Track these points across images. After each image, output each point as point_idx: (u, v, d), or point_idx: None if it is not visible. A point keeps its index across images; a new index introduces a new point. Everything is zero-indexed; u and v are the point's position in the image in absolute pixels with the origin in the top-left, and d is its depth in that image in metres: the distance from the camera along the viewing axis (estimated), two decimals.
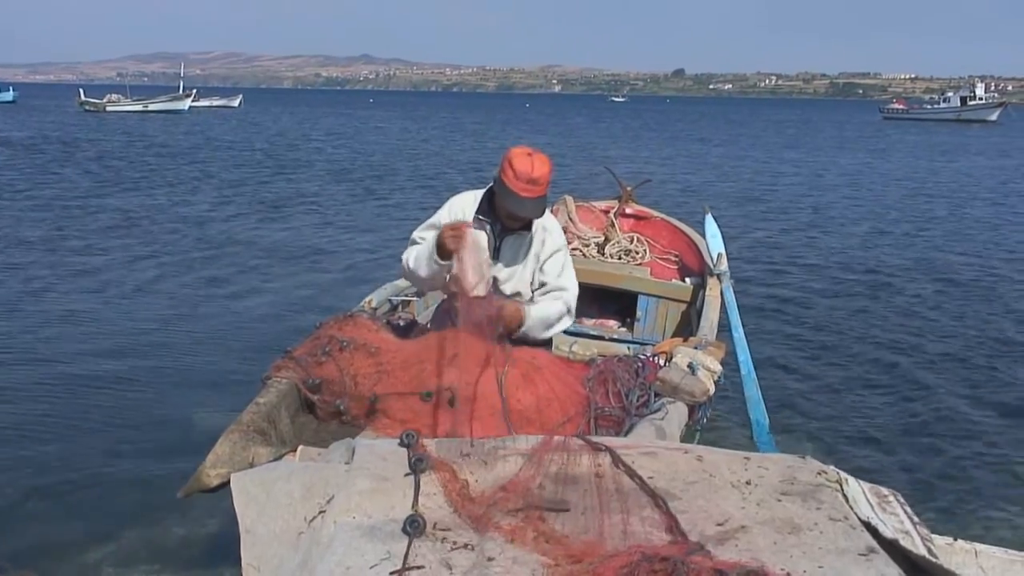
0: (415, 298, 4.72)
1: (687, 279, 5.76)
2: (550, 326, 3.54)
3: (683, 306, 5.43)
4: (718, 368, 3.44)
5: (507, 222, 3.49)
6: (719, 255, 5.28)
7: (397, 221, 12.73)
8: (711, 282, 5.11)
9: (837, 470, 2.29)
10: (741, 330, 4.53)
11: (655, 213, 6.94)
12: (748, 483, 2.22)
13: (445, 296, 3.75)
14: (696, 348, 3.58)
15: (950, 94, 76.14)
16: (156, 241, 10.79)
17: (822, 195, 18.05)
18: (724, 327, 4.59)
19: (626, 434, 2.95)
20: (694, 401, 3.24)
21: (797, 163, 26.55)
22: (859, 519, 2.08)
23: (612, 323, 5.72)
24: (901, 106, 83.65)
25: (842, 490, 2.20)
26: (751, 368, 4.30)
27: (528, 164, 3.30)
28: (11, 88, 73.53)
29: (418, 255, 3.45)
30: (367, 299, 4.37)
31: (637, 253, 6.23)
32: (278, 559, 2.00)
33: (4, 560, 3.47)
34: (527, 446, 2.33)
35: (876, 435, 5.20)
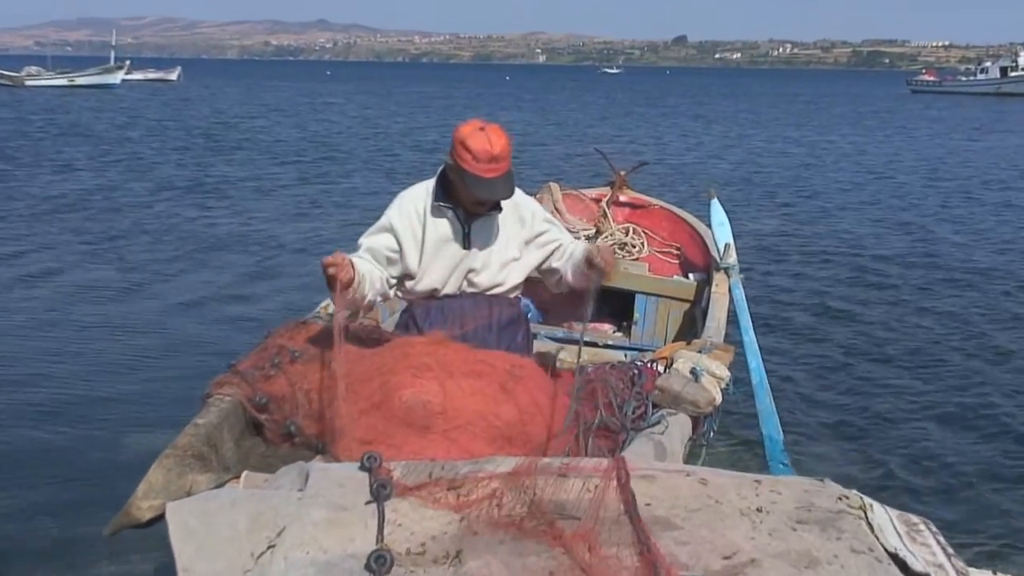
0: (379, 301, 4.71)
1: (690, 275, 5.78)
2: None
3: (686, 305, 5.46)
4: (725, 374, 3.45)
5: (472, 208, 3.53)
6: (727, 246, 5.31)
7: (357, 212, 12.73)
8: (718, 278, 5.13)
9: (860, 495, 2.29)
10: (752, 332, 4.55)
11: (653, 201, 6.97)
12: (759, 510, 2.21)
13: (409, 301, 3.76)
14: (700, 352, 3.58)
15: (988, 64, 76.29)
16: (79, 235, 10.72)
17: (835, 177, 18.28)
18: (732, 328, 4.61)
19: (622, 451, 2.95)
20: (698, 412, 3.24)
21: (804, 142, 26.72)
22: (885, 551, 2.08)
23: (606, 327, 5.73)
24: (932, 77, 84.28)
25: (866, 517, 2.20)
26: (763, 376, 4.32)
27: (485, 141, 3.33)
28: None
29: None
30: (323, 304, 4.34)
31: (633, 246, 6.26)
32: None
33: None
34: (508, 468, 2.32)
35: (906, 454, 5.21)
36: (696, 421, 3.27)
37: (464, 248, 3.57)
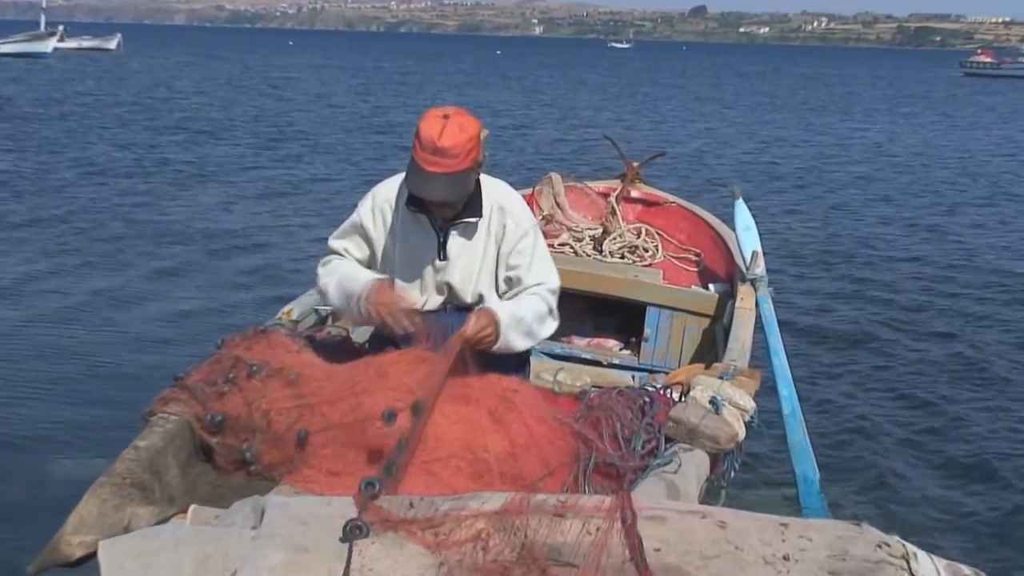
0: None
1: (711, 286, 5.79)
2: (530, 332, 3.54)
3: (706, 321, 5.46)
4: (750, 406, 3.45)
5: (435, 211, 3.49)
6: (754, 254, 5.29)
7: (314, 201, 12.77)
8: (743, 290, 5.12)
9: (903, 541, 2.30)
10: (783, 355, 4.52)
11: (669, 197, 6.96)
12: (786, 558, 2.22)
13: None
14: (722, 378, 3.58)
15: None
16: None
17: (875, 173, 18.44)
18: (759, 350, 4.61)
19: (628, 492, 2.95)
20: (718, 449, 3.24)
21: (836, 131, 26.85)
22: None
23: (612, 343, 5.74)
24: (988, 59, 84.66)
25: (909, 568, 2.21)
26: (796, 406, 4.31)
27: (436, 128, 3.28)
28: None
29: (340, 290, 3.51)
30: (286, 309, 4.35)
31: (646, 250, 6.26)
32: None
33: None
34: (496, 506, 2.33)
35: (959, 495, 5.23)
36: (715, 459, 3.26)
37: (440, 259, 3.55)
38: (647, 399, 3.42)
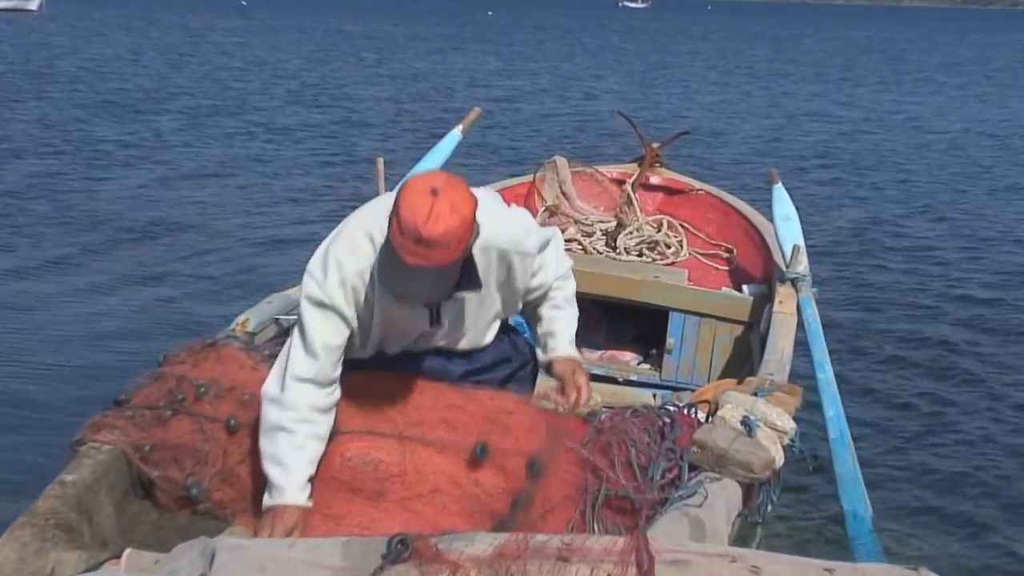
0: None
1: (744, 287, 5.79)
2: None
3: (739, 329, 5.47)
4: (790, 426, 3.45)
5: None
6: (795, 249, 5.27)
7: (259, 188, 12.78)
8: (782, 291, 5.13)
9: None
10: (829, 368, 4.48)
11: (695, 184, 6.96)
12: None
13: None
14: (756, 394, 3.58)
15: None
16: None
17: (926, 152, 18.47)
18: (801, 361, 4.60)
19: (644, 531, 2.95)
20: (751, 478, 3.24)
21: (886, 106, 26.84)
22: None
23: (628, 356, 5.74)
24: None
25: None
26: (844, 428, 4.28)
27: (420, 210, 2.86)
28: None
29: (269, 458, 3.12)
30: (241, 318, 4.35)
31: (668, 247, 6.26)
32: None
33: None
34: (488, 549, 2.32)
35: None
36: (749, 490, 3.26)
37: (431, 326, 3.34)
38: (667, 420, 3.42)
